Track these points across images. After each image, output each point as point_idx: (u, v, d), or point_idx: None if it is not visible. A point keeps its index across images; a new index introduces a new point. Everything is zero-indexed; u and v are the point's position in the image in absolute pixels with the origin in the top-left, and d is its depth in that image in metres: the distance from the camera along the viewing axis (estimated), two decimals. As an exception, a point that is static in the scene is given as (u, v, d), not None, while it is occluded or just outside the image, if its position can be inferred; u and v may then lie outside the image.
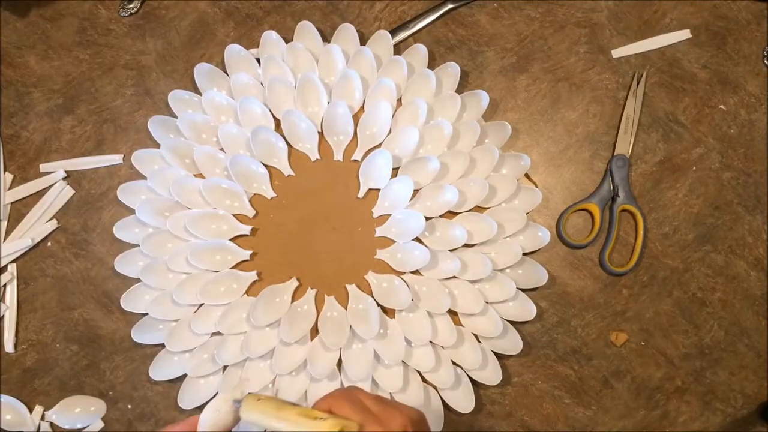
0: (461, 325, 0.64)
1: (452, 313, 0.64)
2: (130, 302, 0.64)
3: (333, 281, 0.65)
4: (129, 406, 0.64)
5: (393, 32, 0.69)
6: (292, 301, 0.64)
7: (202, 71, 0.67)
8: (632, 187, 0.67)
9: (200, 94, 0.67)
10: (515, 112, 0.68)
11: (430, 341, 0.62)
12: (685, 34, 0.69)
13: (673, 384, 0.65)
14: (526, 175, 0.67)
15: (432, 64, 0.68)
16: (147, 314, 0.63)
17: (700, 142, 0.67)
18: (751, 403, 0.64)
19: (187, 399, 0.63)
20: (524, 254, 0.64)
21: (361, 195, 0.66)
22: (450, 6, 0.69)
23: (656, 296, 0.66)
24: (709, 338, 0.65)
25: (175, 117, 0.67)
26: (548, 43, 0.69)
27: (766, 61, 0.68)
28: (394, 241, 0.65)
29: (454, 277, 0.64)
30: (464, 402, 0.63)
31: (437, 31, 0.69)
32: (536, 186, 0.67)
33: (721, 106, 0.68)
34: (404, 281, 0.64)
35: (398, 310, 0.63)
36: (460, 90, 0.67)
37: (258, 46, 0.68)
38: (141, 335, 0.63)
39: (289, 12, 0.70)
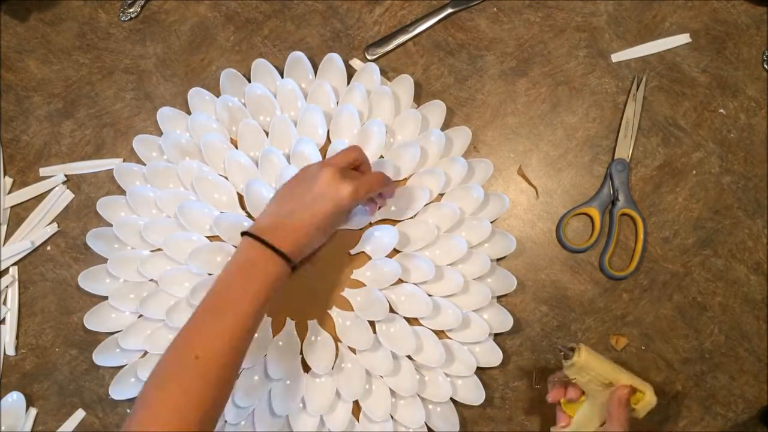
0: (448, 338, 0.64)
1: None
2: (93, 322, 0.64)
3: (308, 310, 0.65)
4: (128, 411, 0.64)
5: (392, 36, 0.69)
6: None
7: (164, 116, 0.66)
8: (632, 191, 0.67)
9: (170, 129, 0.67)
10: (515, 116, 0.68)
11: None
12: (684, 38, 0.69)
13: (673, 388, 0.65)
14: (525, 177, 0.67)
15: (431, 69, 0.68)
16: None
17: (700, 146, 0.67)
18: (752, 408, 0.64)
19: None
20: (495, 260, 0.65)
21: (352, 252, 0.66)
22: (450, 10, 0.69)
23: (656, 300, 0.65)
24: (709, 342, 0.65)
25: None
26: (548, 47, 0.69)
27: (765, 65, 0.68)
28: (366, 285, 0.65)
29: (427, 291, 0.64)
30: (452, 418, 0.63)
31: (437, 35, 0.70)
32: (536, 189, 0.67)
33: (721, 110, 0.68)
34: (382, 294, 0.64)
35: (378, 321, 0.63)
36: (462, 94, 0.67)
37: (258, 53, 0.68)
38: (103, 359, 0.63)
39: (289, 16, 0.70)
